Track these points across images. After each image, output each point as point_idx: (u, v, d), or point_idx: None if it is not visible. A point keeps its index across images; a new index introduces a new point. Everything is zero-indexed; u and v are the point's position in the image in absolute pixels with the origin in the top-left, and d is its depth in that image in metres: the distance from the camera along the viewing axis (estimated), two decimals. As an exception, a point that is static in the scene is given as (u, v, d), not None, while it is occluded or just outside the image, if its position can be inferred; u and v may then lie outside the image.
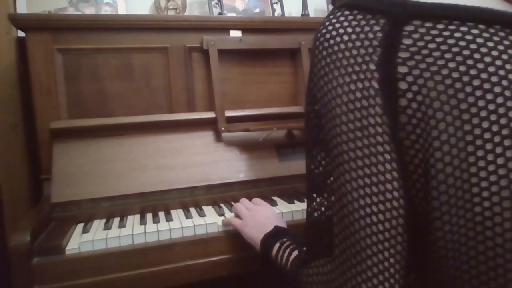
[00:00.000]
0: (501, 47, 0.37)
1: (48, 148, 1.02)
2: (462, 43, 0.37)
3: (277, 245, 0.71)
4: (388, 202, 0.39)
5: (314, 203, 0.50)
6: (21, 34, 1.15)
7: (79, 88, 1.09)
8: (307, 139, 0.49)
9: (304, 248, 0.57)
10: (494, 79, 0.36)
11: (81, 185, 0.96)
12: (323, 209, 0.49)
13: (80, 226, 0.92)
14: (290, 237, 0.73)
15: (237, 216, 0.88)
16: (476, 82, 0.36)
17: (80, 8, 1.36)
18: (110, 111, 1.10)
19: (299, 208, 0.95)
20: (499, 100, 0.36)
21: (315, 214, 0.50)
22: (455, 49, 0.37)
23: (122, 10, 1.41)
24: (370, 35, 0.40)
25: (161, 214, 0.97)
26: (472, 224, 0.37)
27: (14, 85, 1.20)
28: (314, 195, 0.50)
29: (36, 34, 1.04)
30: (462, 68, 0.37)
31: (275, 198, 1.05)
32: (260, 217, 0.82)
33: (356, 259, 0.42)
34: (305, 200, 0.52)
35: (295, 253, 0.66)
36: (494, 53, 0.37)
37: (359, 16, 0.41)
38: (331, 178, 0.45)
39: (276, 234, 0.75)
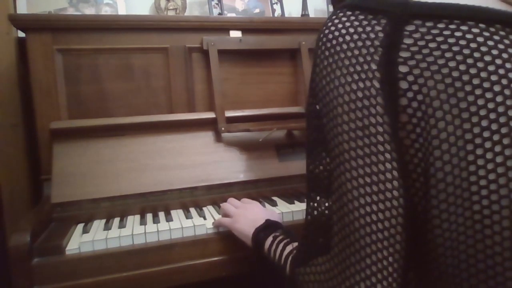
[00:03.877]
0: (501, 46, 0.37)
1: (48, 148, 1.02)
2: (462, 42, 0.37)
3: (270, 239, 0.70)
4: (387, 201, 0.40)
5: (314, 202, 0.50)
6: (21, 34, 1.15)
7: (79, 88, 1.09)
8: (308, 138, 0.49)
9: (302, 247, 0.57)
10: (493, 77, 0.36)
11: (81, 185, 0.96)
12: (322, 208, 0.49)
13: (80, 226, 0.92)
14: (283, 231, 0.72)
15: (226, 216, 0.87)
16: (475, 81, 0.37)
17: (80, 9, 1.36)
18: (110, 112, 1.10)
19: (299, 209, 0.94)
20: (499, 98, 0.36)
21: (315, 212, 0.50)
22: (455, 48, 0.37)
23: (122, 11, 1.41)
24: (372, 35, 0.40)
25: (161, 214, 0.97)
26: (471, 222, 0.37)
27: (14, 85, 1.20)
28: (314, 194, 0.50)
29: (36, 34, 1.04)
30: (462, 67, 0.37)
31: (275, 198, 1.05)
32: (250, 213, 0.82)
33: (354, 257, 0.42)
34: (305, 200, 0.52)
35: (289, 247, 0.65)
36: (494, 52, 0.37)
37: (361, 17, 0.41)
38: (332, 177, 0.45)
39: (268, 227, 0.74)
